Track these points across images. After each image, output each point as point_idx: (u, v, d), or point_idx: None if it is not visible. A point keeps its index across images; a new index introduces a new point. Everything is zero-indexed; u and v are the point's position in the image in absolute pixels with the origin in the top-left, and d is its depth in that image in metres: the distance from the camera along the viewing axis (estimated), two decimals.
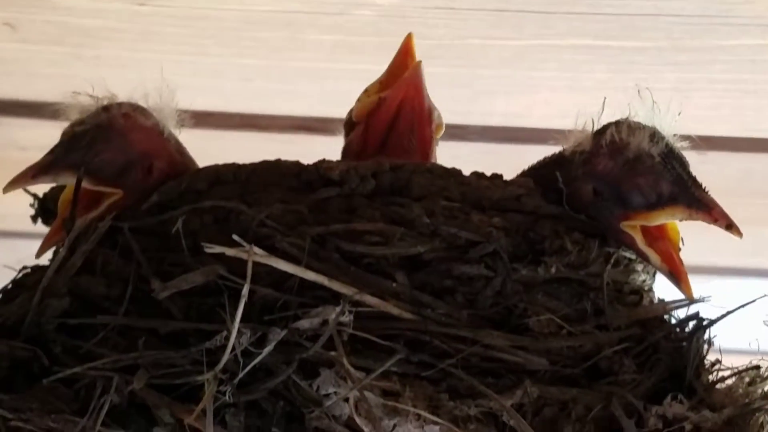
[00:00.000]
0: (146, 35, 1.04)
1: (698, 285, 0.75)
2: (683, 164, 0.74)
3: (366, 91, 0.83)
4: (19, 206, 0.84)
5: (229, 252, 0.68)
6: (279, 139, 1.21)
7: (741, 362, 0.76)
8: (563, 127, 0.79)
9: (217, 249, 0.68)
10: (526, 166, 0.82)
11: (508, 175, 0.79)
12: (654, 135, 0.74)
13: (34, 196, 0.84)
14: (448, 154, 0.84)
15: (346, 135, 0.85)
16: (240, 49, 1.06)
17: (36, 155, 0.77)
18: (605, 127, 0.76)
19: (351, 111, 0.84)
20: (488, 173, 0.78)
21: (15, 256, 0.81)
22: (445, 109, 0.83)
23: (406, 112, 0.80)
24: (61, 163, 0.75)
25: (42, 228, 0.85)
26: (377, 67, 0.84)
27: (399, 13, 0.98)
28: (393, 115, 0.80)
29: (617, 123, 0.75)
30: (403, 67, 0.81)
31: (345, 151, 0.85)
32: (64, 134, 0.77)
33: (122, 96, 0.79)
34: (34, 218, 0.85)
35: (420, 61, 0.79)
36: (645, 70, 1.05)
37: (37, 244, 0.78)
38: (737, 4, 0.96)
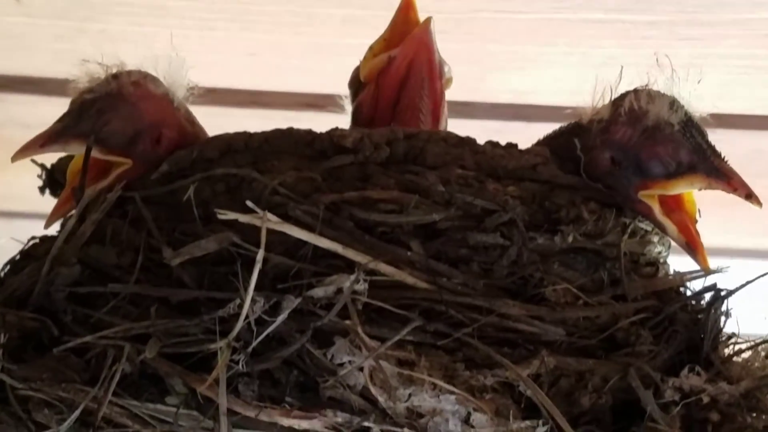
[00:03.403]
0: (152, 9, 1.03)
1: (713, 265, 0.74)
2: (702, 133, 0.73)
3: (371, 49, 0.82)
4: (21, 186, 0.83)
5: (243, 219, 0.67)
6: (285, 116, 1.19)
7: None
8: (573, 104, 0.78)
9: (231, 215, 0.67)
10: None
11: None
12: (673, 103, 0.73)
13: (42, 166, 0.83)
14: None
15: (354, 95, 0.84)
16: (246, 23, 1.05)
17: None
18: (624, 95, 0.75)
19: (356, 70, 0.83)
20: None
21: (18, 236, 0.80)
22: (452, 86, 0.82)
23: (417, 70, 0.79)
24: (71, 132, 0.74)
25: (45, 207, 0.83)
26: None
27: None
28: (404, 74, 0.79)
29: (636, 91, 0.74)
30: (406, 22, 0.80)
31: (355, 112, 0.83)
32: (73, 102, 0.76)
33: (131, 66, 0.77)
34: (41, 189, 0.83)
35: (430, 18, 0.78)
36: (657, 45, 1.04)
37: (40, 223, 0.77)
38: None
